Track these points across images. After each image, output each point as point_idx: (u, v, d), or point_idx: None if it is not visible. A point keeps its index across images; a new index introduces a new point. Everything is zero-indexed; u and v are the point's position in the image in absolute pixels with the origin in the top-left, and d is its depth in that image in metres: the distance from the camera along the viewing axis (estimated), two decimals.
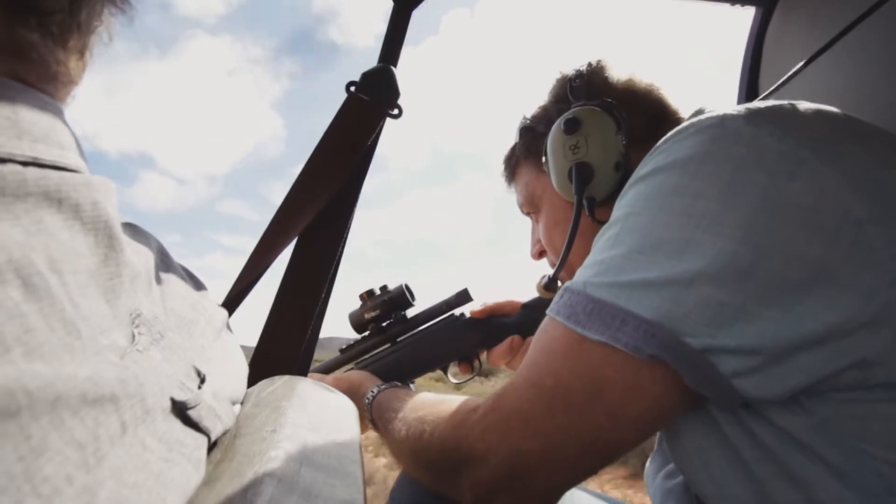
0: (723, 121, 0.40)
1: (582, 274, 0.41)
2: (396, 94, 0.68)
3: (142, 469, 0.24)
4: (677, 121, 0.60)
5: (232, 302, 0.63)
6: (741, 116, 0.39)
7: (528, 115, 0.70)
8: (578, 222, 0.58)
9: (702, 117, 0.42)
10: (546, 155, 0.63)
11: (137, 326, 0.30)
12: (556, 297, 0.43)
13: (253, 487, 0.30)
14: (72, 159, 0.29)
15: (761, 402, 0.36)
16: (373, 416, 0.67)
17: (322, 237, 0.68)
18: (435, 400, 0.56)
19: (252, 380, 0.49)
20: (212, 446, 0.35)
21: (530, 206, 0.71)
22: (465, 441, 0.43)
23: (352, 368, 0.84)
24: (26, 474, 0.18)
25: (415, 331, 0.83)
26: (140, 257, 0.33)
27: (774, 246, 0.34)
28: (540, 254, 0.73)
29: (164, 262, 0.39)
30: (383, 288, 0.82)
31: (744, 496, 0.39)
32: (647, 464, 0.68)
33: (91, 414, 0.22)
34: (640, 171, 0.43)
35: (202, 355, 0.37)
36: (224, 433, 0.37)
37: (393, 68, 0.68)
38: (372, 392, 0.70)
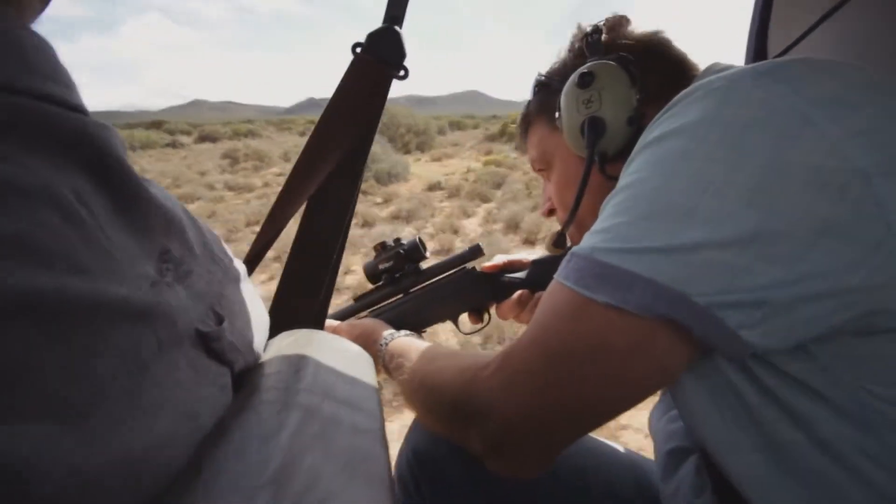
0: (730, 83, 0.40)
1: (589, 239, 0.43)
2: (402, 55, 0.68)
3: (177, 384, 0.27)
4: (693, 77, 0.59)
5: (251, 261, 0.65)
6: (749, 78, 0.40)
7: (544, 71, 0.70)
8: (588, 176, 0.59)
9: (711, 78, 0.42)
10: (559, 110, 0.63)
11: (166, 263, 0.32)
12: (564, 262, 0.44)
13: (282, 413, 0.33)
14: (77, 99, 0.30)
15: (769, 351, 0.38)
16: (386, 362, 0.70)
17: (333, 196, 0.70)
18: (448, 353, 0.60)
19: (270, 334, 0.52)
20: (237, 381, 0.38)
21: (542, 164, 0.71)
22: (476, 396, 0.46)
23: (366, 316, 0.87)
24: (82, 368, 0.21)
25: (427, 282, 0.86)
26: (170, 203, 0.35)
27: (781, 207, 0.35)
28: (550, 211, 0.74)
29: (185, 211, 0.41)
30: (397, 240, 0.85)
31: (745, 438, 0.41)
32: (653, 406, 0.71)
33: (128, 328, 0.24)
34: (648, 135, 0.43)
35: (220, 301, 0.40)
36: (247, 369, 0.40)
37: (398, 29, 0.68)
38: (385, 339, 0.73)
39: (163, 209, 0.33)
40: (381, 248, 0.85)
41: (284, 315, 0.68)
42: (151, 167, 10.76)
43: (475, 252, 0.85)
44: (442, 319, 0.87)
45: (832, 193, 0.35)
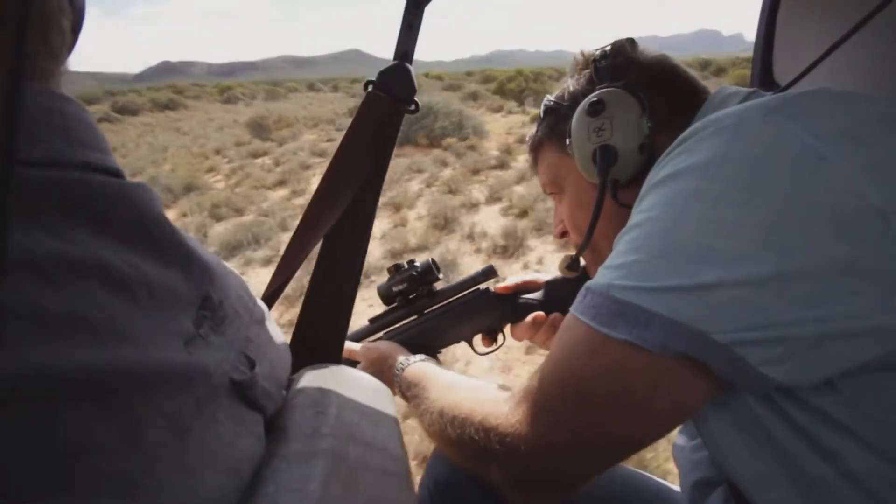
0: (740, 121, 0.40)
1: (605, 275, 0.43)
2: (413, 90, 0.70)
3: (218, 439, 0.28)
4: (703, 101, 0.60)
5: (268, 299, 0.66)
6: (759, 115, 0.40)
7: (553, 97, 0.71)
8: (602, 205, 0.59)
9: (720, 115, 0.42)
10: (570, 137, 0.63)
11: (204, 310, 0.33)
12: (580, 297, 0.44)
13: (311, 461, 0.34)
14: (112, 163, 0.31)
15: (794, 386, 0.38)
16: (402, 388, 0.71)
17: (350, 228, 0.72)
18: (467, 385, 0.60)
19: (292, 369, 0.53)
20: (267, 425, 0.39)
21: (554, 187, 0.72)
22: (497, 431, 0.46)
23: (380, 338, 0.88)
24: (133, 439, 0.22)
25: (441, 304, 0.86)
26: (203, 250, 0.37)
27: (798, 247, 0.35)
28: (563, 234, 0.74)
29: (216, 259, 0.42)
30: (410, 262, 0.86)
31: (772, 472, 0.41)
32: (677, 433, 0.70)
33: (172, 391, 0.25)
34: (659, 172, 0.43)
35: (249, 345, 0.41)
36: (275, 413, 0.41)
37: (408, 65, 0.70)
38: (402, 364, 0.74)
39: (201, 258, 0.34)
40: (395, 269, 0.86)
41: (305, 349, 0.68)
42: None
43: (488, 273, 0.85)
44: (457, 340, 0.87)
45: (853, 232, 0.34)
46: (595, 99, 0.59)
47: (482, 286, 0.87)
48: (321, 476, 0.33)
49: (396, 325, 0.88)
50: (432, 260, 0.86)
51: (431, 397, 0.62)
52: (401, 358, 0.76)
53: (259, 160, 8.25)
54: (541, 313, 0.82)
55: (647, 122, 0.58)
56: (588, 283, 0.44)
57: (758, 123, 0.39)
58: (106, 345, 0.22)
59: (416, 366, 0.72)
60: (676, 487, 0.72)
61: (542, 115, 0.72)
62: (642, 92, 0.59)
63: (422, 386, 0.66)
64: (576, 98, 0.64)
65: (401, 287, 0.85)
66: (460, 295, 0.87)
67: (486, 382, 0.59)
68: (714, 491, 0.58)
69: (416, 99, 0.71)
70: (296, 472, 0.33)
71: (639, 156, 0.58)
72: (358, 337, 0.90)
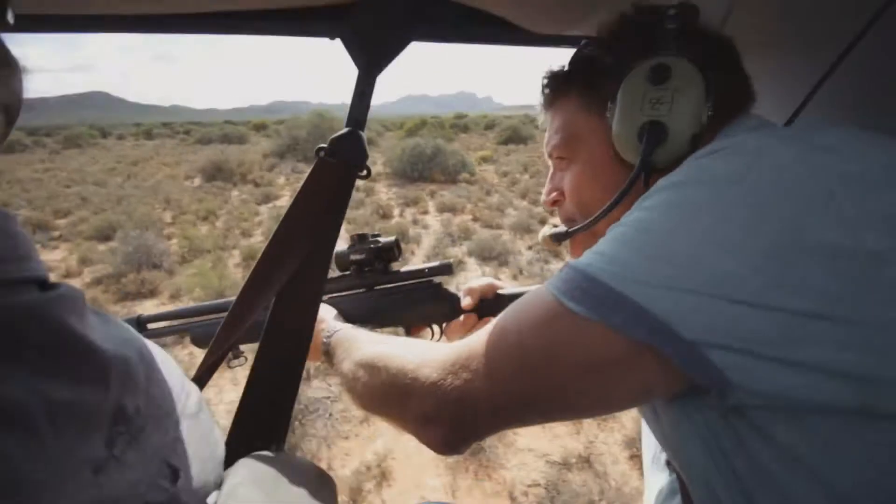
0: (763, 147, 0.41)
1: (588, 256, 0.42)
2: (365, 155, 0.70)
3: None
4: (745, 110, 0.55)
5: (202, 377, 0.62)
6: (781, 145, 0.41)
7: (599, 42, 0.59)
8: (631, 187, 0.52)
9: (744, 137, 0.43)
10: (613, 99, 0.54)
11: (118, 425, 0.30)
12: (558, 271, 0.44)
13: None
14: (29, 269, 0.29)
15: (750, 395, 0.37)
16: (329, 348, 0.68)
17: (300, 297, 0.69)
18: (401, 339, 0.59)
19: (231, 452, 0.49)
20: None
21: (566, 150, 0.61)
22: (422, 370, 0.48)
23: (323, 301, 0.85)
24: None
25: (392, 285, 0.86)
26: (126, 347, 0.34)
27: (789, 279, 0.36)
28: (555, 202, 0.65)
29: (143, 352, 0.39)
30: (375, 236, 0.85)
31: (730, 496, 0.42)
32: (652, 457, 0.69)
33: None
34: (671, 178, 0.43)
35: (175, 450, 0.37)
36: None
37: (360, 132, 0.70)
38: (333, 328, 0.70)
39: (119, 361, 0.32)
40: (358, 238, 0.85)
41: (249, 429, 0.64)
42: None
43: (445, 269, 0.86)
44: (395, 325, 0.87)
45: (845, 273, 0.35)
46: (662, 63, 0.51)
47: (435, 279, 0.87)
48: None
49: (343, 293, 0.87)
50: (396, 239, 0.85)
51: (362, 349, 0.60)
52: (334, 323, 0.73)
53: None
54: (474, 315, 0.82)
55: (709, 109, 0.51)
56: (570, 261, 0.44)
57: (778, 153, 0.40)
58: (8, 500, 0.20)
59: (347, 331, 0.69)
60: None
61: (574, 61, 0.62)
62: (713, 73, 0.51)
63: (349, 344, 0.64)
64: (622, 55, 0.55)
65: (358, 257, 0.83)
66: (412, 282, 0.86)
67: (423, 340, 0.59)
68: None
69: (367, 164, 0.71)
70: None
71: (688, 146, 0.51)
72: None
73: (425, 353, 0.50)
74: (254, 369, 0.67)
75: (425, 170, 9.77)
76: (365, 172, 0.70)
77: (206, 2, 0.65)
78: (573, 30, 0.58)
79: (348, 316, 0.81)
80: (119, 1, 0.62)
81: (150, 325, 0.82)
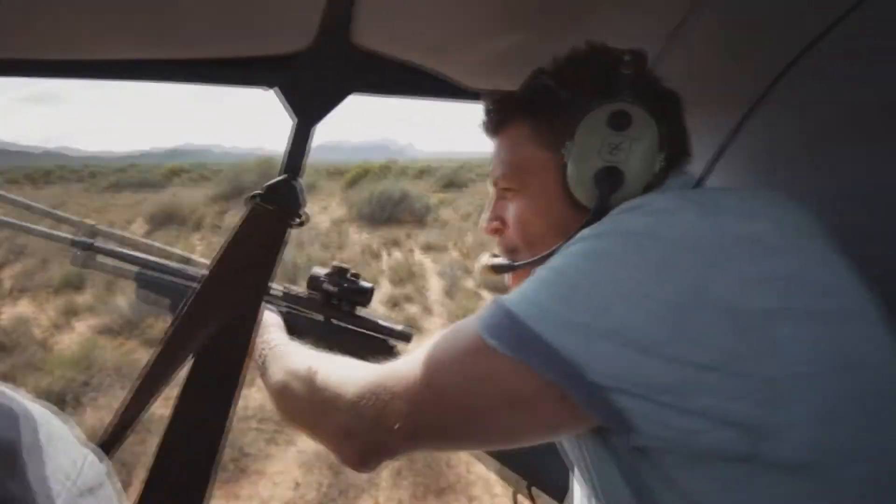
0: (673, 206, 0.43)
1: (514, 296, 0.44)
2: (301, 203, 0.68)
3: None
4: (678, 170, 0.56)
5: (108, 442, 0.57)
6: (691, 206, 0.43)
7: (554, 75, 0.58)
8: (580, 230, 0.48)
9: (655, 196, 0.46)
10: (570, 137, 0.53)
11: None
12: (486, 306, 0.45)
13: None
14: None
15: (651, 438, 0.39)
16: (266, 359, 0.66)
17: (224, 356, 0.65)
18: (335, 357, 0.59)
19: None
20: None
21: (513, 181, 0.59)
22: (345, 386, 0.49)
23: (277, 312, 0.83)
24: None
25: (348, 326, 0.85)
26: (11, 428, 0.32)
27: (688, 332, 0.37)
28: (496, 231, 0.63)
29: (34, 432, 0.35)
30: (355, 275, 0.84)
31: None
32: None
33: None
34: (593, 228, 0.45)
35: None
36: None
37: (296, 180, 0.69)
38: (275, 343, 0.68)
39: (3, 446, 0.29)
40: (338, 271, 0.83)
41: (161, 500, 0.58)
42: None
43: (404, 336, 0.85)
44: None
45: (740, 329, 0.37)
46: (623, 111, 0.51)
47: (391, 341, 0.86)
48: None
49: (301, 311, 0.86)
50: (372, 287, 0.85)
51: (294, 360, 0.60)
52: (276, 336, 0.71)
53: None
54: None
55: (661, 161, 0.52)
56: (497, 297, 0.45)
57: (686, 212, 0.42)
58: None
59: (284, 347, 0.67)
60: None
61: (528, 89, 0.60)
62: (666, 124, 0.52)
63: (283, 356, 0.64)
64: (580, 92, 0.54)
65: (331, 288, 0.83)
66: (368, 332, 0.85)
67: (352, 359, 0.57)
68: None
69: (304, 211, 0.70)
70: None
71: (640, 193, 0.51)
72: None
73: (352, 371, 0.51)
74: (169, 431, 0.61)
75: (393, 213, 9.94)
76: (299, 220, 0.69)
77: (142, 50, 0.64)
78: (511, 85, 0.60)
79: (295, 333, 0.78)
80: (52, 46, 0.61)
81: (100, 256, 0.79)
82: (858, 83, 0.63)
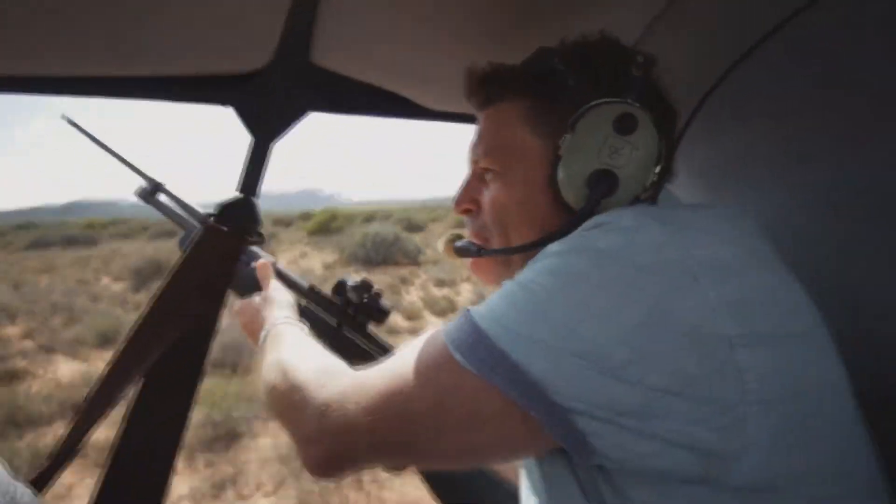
0: (639, 225, 0.42)
1: (482, 310, 0.43)
2: (256, 222, 0.68)
3: None
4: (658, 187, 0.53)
5: (45, 473, 0.53)
6: (656, 224, 0.42)
7: (563, 57, 0.53)
8: (564, 231, 0.46)
9: (623, 213, 0.43)
10: (570, 129, 0.49)
11: None
12: (456, 317, 0.44)
13: None
14: None
15: (610, 460, 0.39)
16: (268, 337, 0.65)
17: (175, 377, 0.62)
18: (321, 353, 0.59)
19: None
20: None
21: (494, 161, 0.54)
22: (317, 391, 0.48)
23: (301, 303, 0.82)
24: None
25: (357, 338, 0.85)
26: None
27: (650, 354, 0.37)
28: (466, 211, 0.58)
29: None
30: (377, 293, 0.84)
31: None
32: None
33: None
34: (560, 244, 0.43)
35: None
36: None
37: (254, 199, 0.68)
38: (279, 321, 0.67)
39: None
40: (364, 285, 0.83)
41: None
42: None
43: None
44: None
45: (701, 355, 0.37)
46: (631, 114, 0.47)
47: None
48: None
49: (318, 310, 0.86)
50: (391, 309, 0.85)
51: (283, 350, 0.60)
52: (283, 312, 0.69)
53: None
54: None
55: (654, 175, 0.49)
56: (468, 309, 0.44)
57: (656, 234, 0.41)
58: None
59: (287, 327, 0.67)
60: None
61: (531, 66, 0.55)
62: (667, 136, 0.49)
63: (280, 339, 0.63)
64: (589, 83, 0.50)
65: (354, 298, 0.84)
66: (373, 350, 0.85)
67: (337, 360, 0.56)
68: None
69: (261, 231, 0.69)
70: None
71: (629, 204, 0.49)
72: (289, 282, 0.82)
73: (329, 375, 0.50)
74: (114, 461, 0.58)
75: (388, 254, 10.06)
76: (256, 238, 0.68)
77: (99, 66, 0.64)
78: (468, 108, 0.60)
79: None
80: (6, 62, 0.61)
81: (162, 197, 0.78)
82: (797, 90, 0.64)
